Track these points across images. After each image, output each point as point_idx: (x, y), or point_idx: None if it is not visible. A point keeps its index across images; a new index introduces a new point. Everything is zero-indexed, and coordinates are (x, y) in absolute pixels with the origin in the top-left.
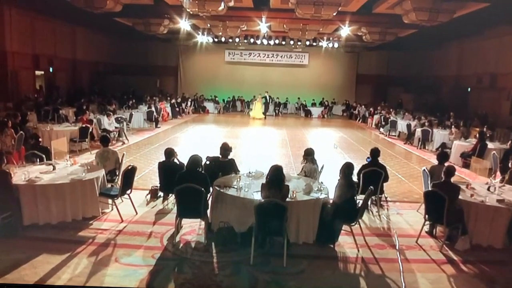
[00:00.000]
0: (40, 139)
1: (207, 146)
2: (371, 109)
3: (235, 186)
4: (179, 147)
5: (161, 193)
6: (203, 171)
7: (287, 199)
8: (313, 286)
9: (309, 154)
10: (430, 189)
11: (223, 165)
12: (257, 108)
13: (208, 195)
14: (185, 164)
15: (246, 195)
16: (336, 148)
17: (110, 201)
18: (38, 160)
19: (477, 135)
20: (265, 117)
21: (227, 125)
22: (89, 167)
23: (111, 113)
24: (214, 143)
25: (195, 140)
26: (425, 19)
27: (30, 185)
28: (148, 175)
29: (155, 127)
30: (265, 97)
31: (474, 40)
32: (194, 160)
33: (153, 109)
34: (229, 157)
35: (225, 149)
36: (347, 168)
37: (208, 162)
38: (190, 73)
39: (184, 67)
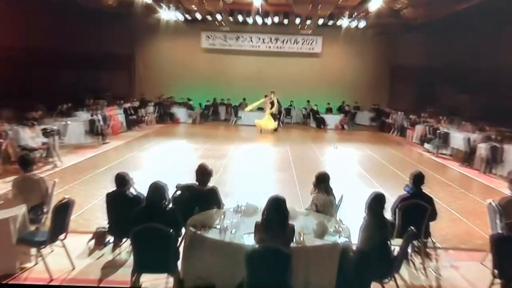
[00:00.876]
0: None
1: (177, 170)
2: (411, 116)
3: (218, 226)
4: (137, 172)
5: (110, 238)
6: (170, 205)
7: (292, 244)
8: None
9: (322, 181)
10: (500, 231)
11: (201, 196)
12: (265, 115)
13: (179, 239)
14: (145, 195)
15: (233, 238)
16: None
17: (34, 250)
18: None
19: None
20: (276, 130)
21: (206, 140)
22: (2, 202)
23: (35, 123)
24: (187, 166)
25: (160, 162)
26: None
27: None
28: (92, 212)
29: (101, 143)
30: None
31: None
32: (157, 189)
33: (98, 117)
34: (209, 184)
35: (203, 173)
36: (377, 201)
37: (178, 192)
38: (151, 65)
39: (143, 56)
